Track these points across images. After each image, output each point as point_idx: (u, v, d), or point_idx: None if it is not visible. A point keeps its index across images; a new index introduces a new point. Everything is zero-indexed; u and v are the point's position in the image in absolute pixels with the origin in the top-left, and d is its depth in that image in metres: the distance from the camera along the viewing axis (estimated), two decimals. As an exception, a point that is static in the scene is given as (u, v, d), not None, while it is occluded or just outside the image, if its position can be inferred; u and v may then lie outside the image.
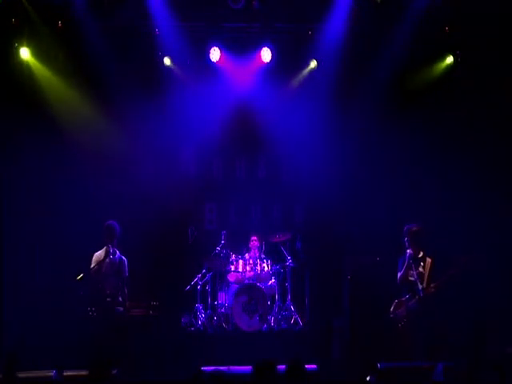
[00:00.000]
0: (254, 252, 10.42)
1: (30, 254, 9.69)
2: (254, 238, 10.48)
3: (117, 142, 10.41)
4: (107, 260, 8.33)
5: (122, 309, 8.34)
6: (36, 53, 9.90)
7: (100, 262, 8.35)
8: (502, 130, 9.87)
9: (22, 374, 6.30)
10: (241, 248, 10.53)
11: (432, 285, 7.99)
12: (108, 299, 8.24)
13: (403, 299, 8.19)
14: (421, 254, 8.17)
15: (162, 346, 9.08)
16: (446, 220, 9.64)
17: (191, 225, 10.54)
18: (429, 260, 8.10)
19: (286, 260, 10.26)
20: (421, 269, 8.09)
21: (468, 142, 10.05)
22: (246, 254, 10.42)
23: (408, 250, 8.19)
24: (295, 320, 10.03)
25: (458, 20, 9.78)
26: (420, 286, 7.99)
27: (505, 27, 9.53)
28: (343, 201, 10.35)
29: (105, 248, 8.45)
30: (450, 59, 10.32)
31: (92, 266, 8.34)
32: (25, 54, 9.82)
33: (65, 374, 6.42)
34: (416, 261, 8.14)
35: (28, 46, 9.80)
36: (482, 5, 9.40)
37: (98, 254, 8.48)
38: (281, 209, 11.21)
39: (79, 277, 7.95)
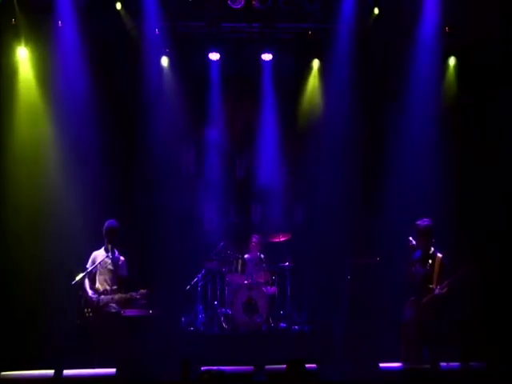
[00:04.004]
0: (255, 252, 10.42)
1: (30, 252, 9.66)
2: (255, 238, 10.48)
3: (117, 142, 10.43)
4: (105, 259, 8.25)
5: (116, 308, 8.26)
6: (35, 53, 9.90)
7: (97, 262, 8.26)
8: (504, 130, 9.86)
9: (21, 374, 6.30)
10: (241, 248, 10.53)
11: (438, 287, 7.90)
12: (102, 297, 8.15)
13: (414, 299, 8.12)
14: (431, 251, 8.08)
15: (161, 346, 9.08)
16: (449, 219, 9.61)
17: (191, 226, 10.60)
18: (439, 256, 7.97)
19: (286, 260, 10.25)
20: (429, 266, 8.00)
21: (469, 141, 10.05)
22: (247, 254, 10.42)
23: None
24: (295, 320, 10.03)
25: (458, 21, 9.80)
26: (429, 286, 7.95)
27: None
28: (343, 200, 10.36)
29: (103, 247, 8.38)
30: (452, 60, 10.34)
31: (89, 264, 8.26)
32: (23, 54, 9.84)
33: (64, 373, 6.42)
34: (425, 258, 8.06)
35: (26, 45, 9.81)
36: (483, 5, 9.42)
37: (97, 253, 8.40)
38: (281, 209, 11.22)
39: (78, 277, 7.90)
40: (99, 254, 8.32)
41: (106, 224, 8.33)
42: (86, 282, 8.13)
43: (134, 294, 8.17)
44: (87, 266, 8.22)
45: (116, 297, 8.15)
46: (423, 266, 8.01)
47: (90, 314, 8.01)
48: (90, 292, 8.10)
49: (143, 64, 10.37)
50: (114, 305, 8.15)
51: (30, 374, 6.35)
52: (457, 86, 10.33)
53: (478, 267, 7.86)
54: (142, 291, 8.16)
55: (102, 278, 8.26)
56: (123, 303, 8.20)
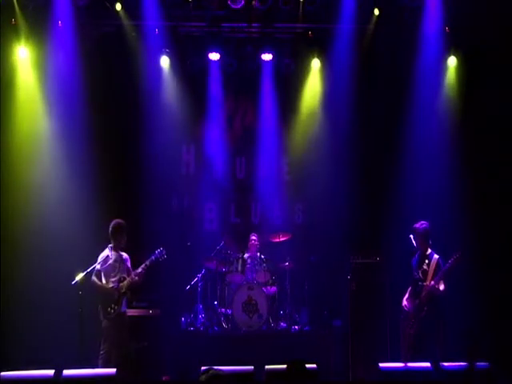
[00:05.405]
0: (253, 251, 10.42)
1: (28, 251, 9.65)
2: (254, 237, 10.49)
3: (116, 142, 10.44)
4: (113, 259, 8.24)
5: (125, 308, 8.29)
6: (35, 52, 9.91)
7: (106, 261, 8.23)
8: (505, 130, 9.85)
9: (21, 374, 6.29)
10: (241, 248, 10.53)
11: (432, 282, 7.93)
12: (121, 284, 8.15)
13: (412, 297, 8.13)
14: (428, 252, 8.15)
15: (161, 346, 9.08)
16: (450, 219, 9.61)
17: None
18: (436, 257, 8.05)
19: (285, 260, 10.24)
20: (425, 266, 8.06)
21: (469, 141, 10.03)
22: (246, 254, 10.42)
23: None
24: (295, 320, 10.03)
25: (459, 21, 9.78)
26: (424, 284, 7.96)
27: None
28: (343, 200, 10.36)
29: (109, 247, 8.34)
30: (453, 60, 10.32)
31: (98, 265, 8.22)
32: (23, 53, 9.84)
33: (64, 373, 6.41)
34: (422, 259, 8.12)
35: (26, 45, 9.81)
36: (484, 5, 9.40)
37: (102, 254, 8.36)
38: (281, 209, 11.22)
39: (78, 277, 7.87)
40: (105, 254, 8.28)
41: (112, 223, 8.35)
42: (96, 279, 8.12)
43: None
44: (97, 266, 8.19)
45: (135, 278, 8.18)
46: (420, 266, 8.09)
47: (114, 309, 8.03)
48: (105, 282, 8.12)
49: (143, 64, 10.38)
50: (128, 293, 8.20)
51: (29, 374, 6.34)
52: (458, 86, 10.32)
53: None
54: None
55: (109, 276, 8.21)
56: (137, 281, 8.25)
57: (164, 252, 8.45)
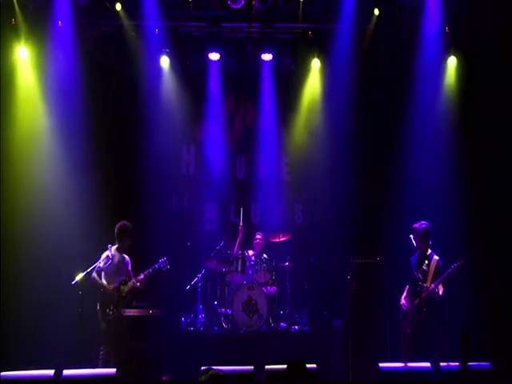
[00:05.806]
0: (258, 250, 10.40)
1: (28, 251, 9.64)
2: (259, 236, 10.47)
3: (116, 142, 10.43)
4: (115, 260, 8.24)
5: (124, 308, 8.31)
6: (34, 52, 9.91)
7: (108, 261, 8.23)
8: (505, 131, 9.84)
9: (21, 374, 6.30)
10: (241, 248, 10.52)
11: (432, 285, 7.94)
12: (122, 288, 8.16)
13: (410, 297, 8.13)
14: (428, 252, 8.14)
15: (161, 346, 9.08)
16: (450, 219, 9.60)
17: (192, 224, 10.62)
18: (435, 258, 8.05)
19: (285, 260, 10.24)
20: (425, 267, 8.05)
21: (469, 141, 10.03)
22: (250, 251, 10.40)
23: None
24: (295, 320, 10.02)
25: (459, 21, 9.78)
26: (423, 285, 7.96)
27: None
28: (344, 200, 10.36)
29: (110, 247, 8.33)
30: (453, 60, 10.31)
31: (100, 263, 8.22)
32: (23, 53, 9.84)
33: (64, 373, 6.41)
34: (422, 259, 8.11)
35: (26, 45, 9.81)
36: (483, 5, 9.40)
37: (106, 253, 8.35)
38: (281, 209, 11.22)
39: (79, 277, 7.87)
40: (107, 254, 8.28)
41: (118, 224, 8.38)
42: (96, 276, 8.12)
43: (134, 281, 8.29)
44: (100, 264, 8.21)
45: (137, 284, 8.21)
46: (420, 266, 8.08)
47: (113, 311, 8.03)
48: (105, 283, 8.13)
49: (143, 64, 10.38)
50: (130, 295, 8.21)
51: (29, 374, 6.34)
52: (458, 86, 10.32)
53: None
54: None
55: (109, 277, 8.22)
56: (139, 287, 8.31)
57: (167, 262, 8.49)
